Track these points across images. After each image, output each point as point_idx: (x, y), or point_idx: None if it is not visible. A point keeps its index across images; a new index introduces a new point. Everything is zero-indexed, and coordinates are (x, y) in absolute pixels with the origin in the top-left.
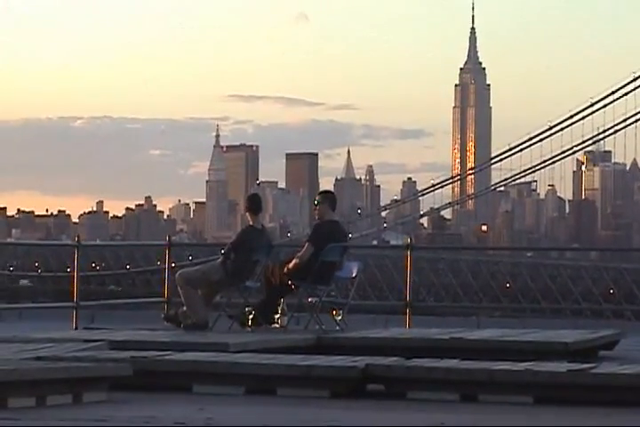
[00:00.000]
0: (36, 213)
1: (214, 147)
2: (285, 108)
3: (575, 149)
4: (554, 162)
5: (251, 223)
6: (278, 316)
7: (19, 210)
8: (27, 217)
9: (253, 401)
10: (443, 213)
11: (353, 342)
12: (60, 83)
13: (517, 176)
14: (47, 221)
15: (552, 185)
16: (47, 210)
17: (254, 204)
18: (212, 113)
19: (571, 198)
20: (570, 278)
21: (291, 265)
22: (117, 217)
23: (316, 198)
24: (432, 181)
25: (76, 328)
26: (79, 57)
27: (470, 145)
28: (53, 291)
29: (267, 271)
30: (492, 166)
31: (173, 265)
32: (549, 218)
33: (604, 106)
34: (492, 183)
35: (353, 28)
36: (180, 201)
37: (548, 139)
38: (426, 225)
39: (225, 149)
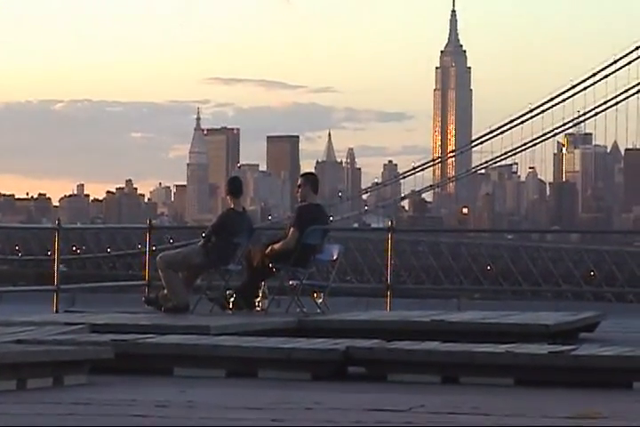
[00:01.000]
0: (17, 197)
1: (195, 130)
2: (266, 91)
3: (556, 131)
4: (534, 144)
5: (231, 206)
6: (259, 299)
7: None
8: (7, 200)
9: (235, 384)
10: (424, 195)
11: (334, 325)
12: (41, 66)
13: (498, 159)
14: (28, 204)
15: (532, 167)
16: (28, 193)
17: (235, 187)
18: (193, 96)
19: (551, 181)
20: (550, 261)
21: (276, 247)
22: (98, 200)
23: (299, 181)
24: (413, 164)
25: (57, 311)
26: (60, 40)
27: (451, 128)
28: (34, 274)
29: (248, 254)
30: (473, 149)
31: (154, 248)
32: (530, 200)
33: (585, 88)
34: (473, 166)
35: (334, 10)
36: (160, 184)
37: (528, 121)
38: (407, 208)
39: (206, 132)
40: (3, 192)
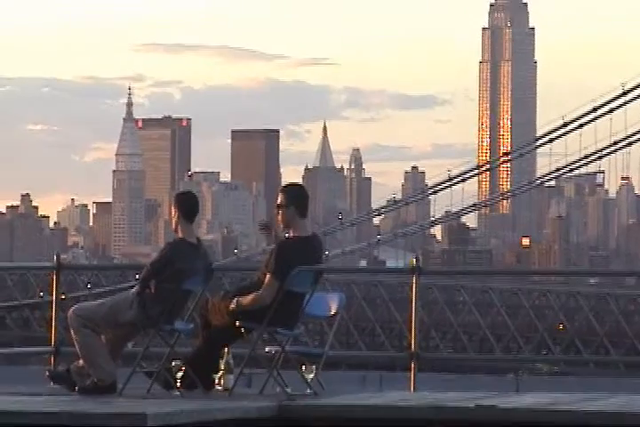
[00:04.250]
0: None
1: (124, 121)
2: (229, 63)
3: None
4: (630, 143)
5: (180, 235)
6: (220, 374)
7: None
8: None
9: None
10: (464, 219)
11: (332, 413)
12: None
13: (576, 164)
14: None
15: (627, 178)
16: None
17: (186, 206)
18: (121, 70)
19: None
20: None
21: (244, 302)
22: None
23: (279, 198)
24: (448, 173)
25: None
26: None
27: (505, 119)
28: None
29: (204, 308)
30: (538, 150)
31: (64, 297)
32: (623, 226)
33: None
34: (538, 175)
35: None
36: (73, 201)
37: (621, 108)
38: (439, 237)
39: (140, 124)
40: None
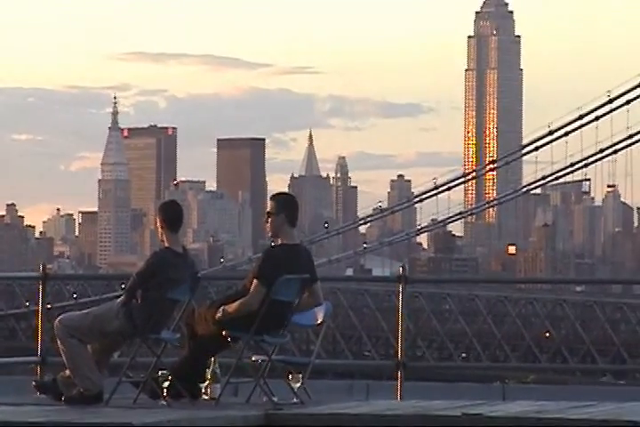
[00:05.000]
0: None
1: (110, 130)
2: (214, 72)
3: None
4: (616, 151)
5: (166, 244)
6: (207, 383)
7: None
8: None
9: None
10: (450, 227)
11: (319, 422)
12: None
13: (562, 172)
14: None
15: (613, 186)
16: None
17: (172, 215)
18: (106, 79)
19: None
20: None
21: (231, 309)
22: None
23: (269, 206)
24: (434, 181)
25: None
26: None
27: (491, 127)
28: None
29: (190, 317)
30: (524, 158)
31: (49, 307)
32: (609, 234)
33: None
34: (524, 183)
35: None
36: (58, 211)
37: (607, 116)
38: (425, 245)
39: (126, 133)
40: None
